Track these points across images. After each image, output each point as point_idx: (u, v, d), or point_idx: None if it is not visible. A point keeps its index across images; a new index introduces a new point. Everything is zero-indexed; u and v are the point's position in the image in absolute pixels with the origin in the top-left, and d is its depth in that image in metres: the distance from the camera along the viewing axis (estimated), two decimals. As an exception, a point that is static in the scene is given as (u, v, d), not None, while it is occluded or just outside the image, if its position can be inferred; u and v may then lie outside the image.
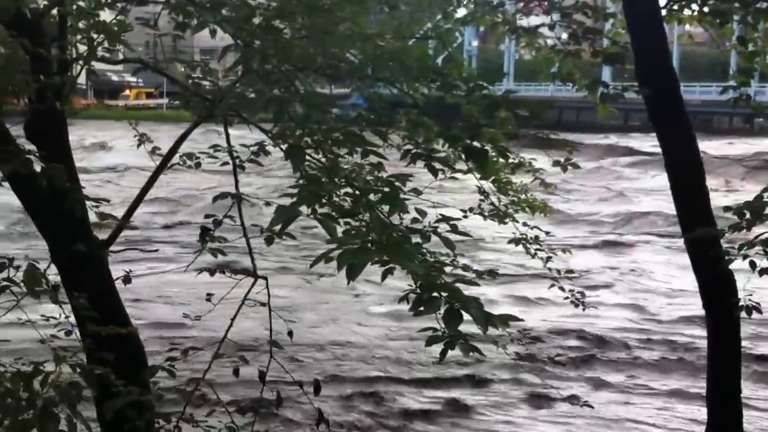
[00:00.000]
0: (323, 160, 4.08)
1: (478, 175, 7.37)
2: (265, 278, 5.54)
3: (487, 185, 8.06)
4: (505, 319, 3.50)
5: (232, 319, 5.35)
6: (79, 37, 5.99)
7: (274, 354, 5.46)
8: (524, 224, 8.45)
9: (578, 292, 8.66)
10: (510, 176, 8.63)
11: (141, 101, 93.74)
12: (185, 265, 6.24)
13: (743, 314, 5.89)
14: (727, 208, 5.49)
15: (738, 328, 6.20)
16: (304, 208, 3.54)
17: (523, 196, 8.89)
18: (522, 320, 3.90)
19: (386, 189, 3.89)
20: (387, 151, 4.68)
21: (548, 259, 8.45)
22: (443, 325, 3.47)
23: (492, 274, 5.42)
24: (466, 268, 6.51)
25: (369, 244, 3.36)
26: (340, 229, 3.76)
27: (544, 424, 11.29)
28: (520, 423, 11.36)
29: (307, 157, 4.03)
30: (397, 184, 4.09)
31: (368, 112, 5.18)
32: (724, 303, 5.88)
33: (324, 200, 3.65)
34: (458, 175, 5.89)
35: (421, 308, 3.39)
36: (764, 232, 5.31)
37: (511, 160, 8.14)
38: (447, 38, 7.84)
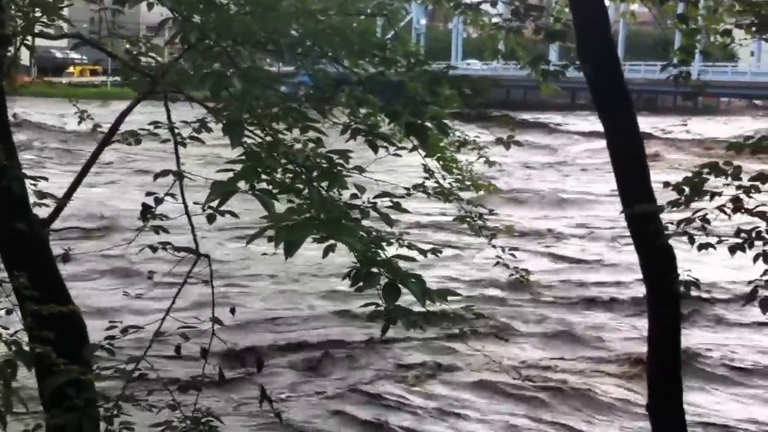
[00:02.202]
0: (262, 135, 4.06)
1: (423, 153, 7.41)
2: (207, 256, 5.51)
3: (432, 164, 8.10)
4: (444, 294, 3.52)
5: (174, 297, 5.33)
6: (16, 11, 5.88)
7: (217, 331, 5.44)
8: (468, 202, 8.52)
9: (522, 269, 8.76)
10: (455, 154, 8.68)
11: (85, 78, 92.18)
12: (126, 243, 6.19)
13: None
14: (666, 184, 5.57)
15: (678, 303, 6.30)
16: (242, 184, 3.52)
17: (468, 175, 8.96)
18: (460, 295, 3.93)
19: (325, 164, 3.88)
20: (330, 129, 4.66)
21: (492, 236, 8.53)
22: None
23: (435, 252, 5.43)
24: (411, 246, 6.54)
25: (308, 221, 3.35)
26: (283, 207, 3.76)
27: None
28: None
29: (248, 133, 4.01)
30: (338, 160, 4.09)
31: (313, 89, 5.15)
32: (664, 278, 5.97)
33: (263, 176, 3.63)
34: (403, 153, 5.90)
35: (361, 284, 3.41)
36: (703, 209, 5.40)
37: (456, 138, 8.20)
38: (393, 16, 7.81)
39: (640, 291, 16.02)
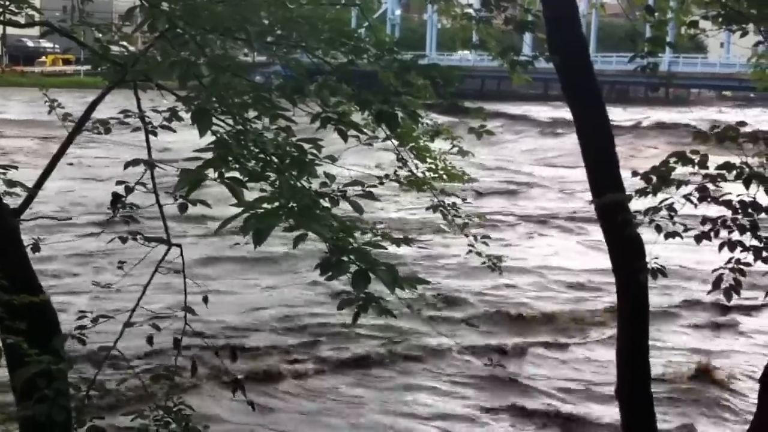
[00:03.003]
0: (232, 123, 4.05)
1: (396, 142, 7.43)
2: (179, 245, 5.49)
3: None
4: (413, 282, 3.53)
5: (145, 287, 5.31)
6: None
7: (189, 321, 5.43)
8: (442, 191, 8.56)
9: (495, 257, 8.81)
10: (429, 143, 8.70)
11: (58, 67, 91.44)
12: (98, 232, 6.17)
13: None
14: (634, 173, 5.61)
15: (646, 290, 6.36)
16: (211, 173, 3.52)
17: (441, 164, 9.00)
18: (429, 282, 3.95)
19: (295, 153, 3.88)
20: (303, 119, 4.66)
21: (465, 225, 8.57)
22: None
23: (407, 242, 5.45)
24: (385, 234, 6.55)
25: (278, 209, 3.35)
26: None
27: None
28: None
29: (219, 122, 4.00)
30: (310, 149, 4.09)
31: (286, 79, 5.14)
32: (632, 266, 6.02)
33: (232, 164, 3.63)
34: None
35: (330, 272, 3.41)
36: (669, 197, 5.45)
37: (428, 124, 8.23)
38: (367, 6, 7.81)
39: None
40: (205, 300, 5.84)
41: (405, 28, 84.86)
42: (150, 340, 5.40)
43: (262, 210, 3.28)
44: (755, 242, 5.15)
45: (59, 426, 4.68)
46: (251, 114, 4.15)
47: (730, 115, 56.11)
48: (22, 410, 5.07)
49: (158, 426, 4.99)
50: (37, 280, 6.12)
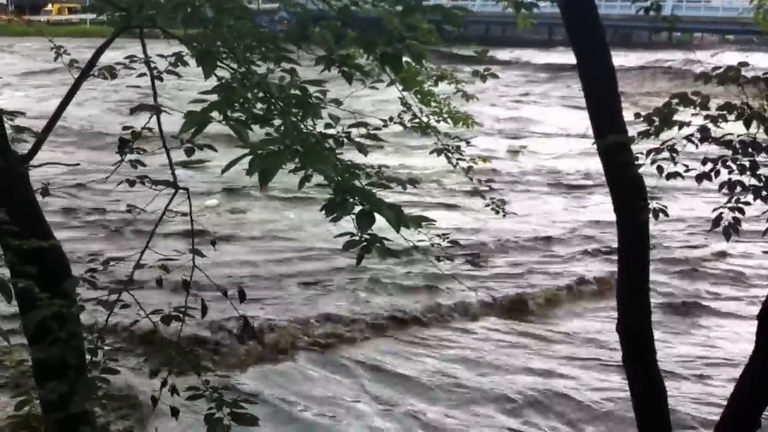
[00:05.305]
0: (236, 66, 4.08)
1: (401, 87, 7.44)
2: (186, 189, 5.55)
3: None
4: (418, 220, 3.59)
5: (153, 230, 5.38)
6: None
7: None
8: (446, 134, 8.58)
9: (499, 200, 8.85)
10: (433, 88, 8.72)
11: (63, 16, 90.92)
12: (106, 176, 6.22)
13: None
14: (637, 115, 5.62)
15: (647, 230, 6.39)
16: (216, 114, 3.56)
17: (445, 108, 9.03)
18: (435, 221, 4.00)
19: (299, 94, 3.91)
20: (308, 65, 4.68)
21: (469, 168, 8.61)
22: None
23: (413, 183, 5.50)
24: (390, 179, 6.58)
25: (284, 151, 3.39)
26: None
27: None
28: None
29: (222, 64, 4.03)
30: (315, 93, 4.12)
31: (291, 25, 5.15)
32: (633, 206, 6.05)
33: (236, 106, 3.66)
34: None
35: (335, 213, 3.46)
36: (671, 138, 5.46)
37: (433, 72, 8.24)
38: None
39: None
40: (213, 244, 5.93)
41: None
42: (159, 282, 5.50)
43: (267, 151, 3.32)
44: (754, 181, 5.17)
45: (73, 368, 4.77)
46: (256, 58, 4.18)
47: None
48: (35, 353, 5.16)
49: (170, 367, 5.08)
50: (47, 225, 6.19)
